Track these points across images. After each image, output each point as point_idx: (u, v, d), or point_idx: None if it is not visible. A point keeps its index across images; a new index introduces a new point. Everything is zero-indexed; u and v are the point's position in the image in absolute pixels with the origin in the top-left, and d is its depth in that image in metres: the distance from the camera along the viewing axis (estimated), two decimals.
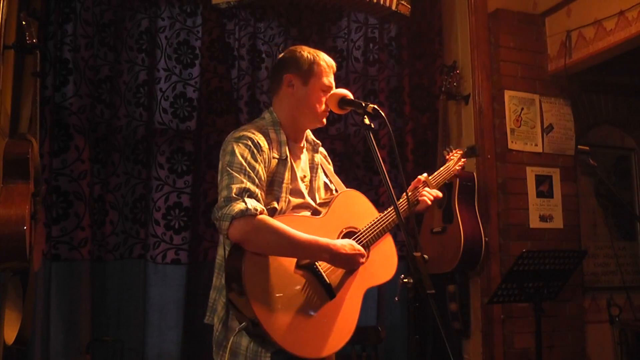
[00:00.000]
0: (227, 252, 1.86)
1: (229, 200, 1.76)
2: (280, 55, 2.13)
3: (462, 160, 2.50)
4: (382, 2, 3.63)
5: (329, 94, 2.02)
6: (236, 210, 1.72)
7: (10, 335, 2.43)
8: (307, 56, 2.03)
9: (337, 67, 3.75)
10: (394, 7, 3.68)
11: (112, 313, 3.22)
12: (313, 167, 2.10)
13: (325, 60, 2.06)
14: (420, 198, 2.15)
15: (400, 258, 3.65)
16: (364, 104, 1.85)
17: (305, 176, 2.05)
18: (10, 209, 2.39)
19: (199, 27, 3.56)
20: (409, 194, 2.16)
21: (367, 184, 3.73)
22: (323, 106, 2.03)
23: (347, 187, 2.16)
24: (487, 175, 3.66)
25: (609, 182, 4.11)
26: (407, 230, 2.27)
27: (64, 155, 3.19)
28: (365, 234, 2.00)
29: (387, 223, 2.05)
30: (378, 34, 3.89)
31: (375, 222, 2.03)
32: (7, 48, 2.75)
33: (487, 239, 3.50)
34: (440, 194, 2.22)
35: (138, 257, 3.29)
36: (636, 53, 3.41)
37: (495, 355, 3.49)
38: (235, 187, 1.77)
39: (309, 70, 2.01)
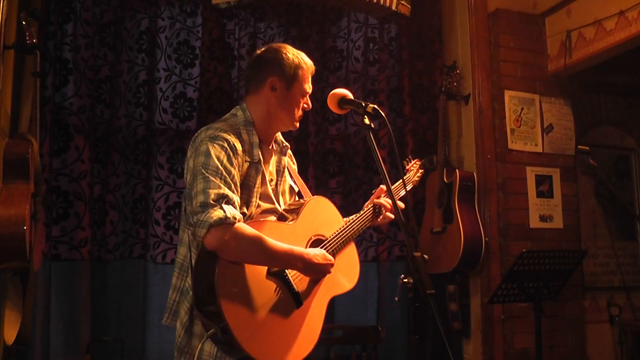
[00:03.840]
0: (194, 256, 1.79)
1: (206, 206, 1.68)
2: (261, 52, 2.02)
3: (420, 171, 2.51)
4: (382, 2, 3.63)
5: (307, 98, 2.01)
6: (215, 218, 1.65)
7: (10, 335, 2.42)
8: (293, 59, 1.96)
9: (337, 67, 3.82)
10: (394, 7, 3.68)
11: (112, 313, 3.22)
12: (279, 170, 2.04)
13: (307, 64, 2.00)
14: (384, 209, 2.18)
15: (400, 258, 3.71)
16: (363, 104, 1.83)
17: (272, 180, 1.99)
18: (10, 209, 2.38)
19: (199, 27, 3.56)
20: (369, 206, 2.18)
21: (367, 184, 3.72)
22: (300, 111, 2.00)
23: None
24: (487, 175, 3.66)
25: (609, 182, 4.11)
26: (407, 230, 2.27)
27: (64, 155, 3.19)
28: (332, 242, 1.99)
29: (352, 231, 2.06)
30: (378, 34, 3.89)
31: (341, 231, 2.03)
32: (7, 48, 2.74)
33: (487, 239, 3.50)
34: (402, 205, 2.21)
35: (138, 257, 3.29)
36: (636, 53, 3.41)
37: (495, 355, 3.49)
38: (212, 193, 1.69)
39: (294, 75, 1.95)
